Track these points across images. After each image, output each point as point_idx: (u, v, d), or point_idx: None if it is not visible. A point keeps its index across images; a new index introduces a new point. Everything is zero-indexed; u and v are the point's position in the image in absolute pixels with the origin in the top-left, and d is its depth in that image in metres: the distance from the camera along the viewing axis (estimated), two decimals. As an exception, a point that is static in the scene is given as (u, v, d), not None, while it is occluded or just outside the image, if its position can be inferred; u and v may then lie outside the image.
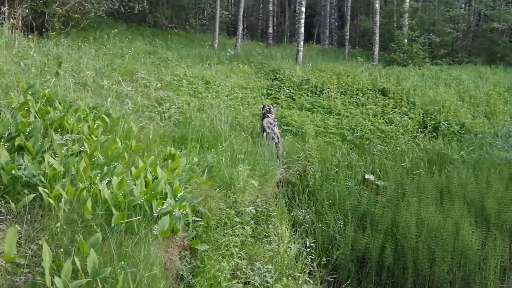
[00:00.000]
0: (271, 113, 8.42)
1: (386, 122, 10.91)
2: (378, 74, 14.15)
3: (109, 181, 3.57)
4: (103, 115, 5.14)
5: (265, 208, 5.46)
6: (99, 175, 3.58)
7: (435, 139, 10.18)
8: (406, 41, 19.85)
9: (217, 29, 21.00)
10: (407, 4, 21.51)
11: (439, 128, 10.64)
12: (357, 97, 12.24)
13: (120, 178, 3.51)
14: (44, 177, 3.18)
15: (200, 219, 4.21)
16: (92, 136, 4.36)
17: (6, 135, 3.60)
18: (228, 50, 16.80)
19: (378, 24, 20.13)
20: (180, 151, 5.34)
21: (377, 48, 20.02)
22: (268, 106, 8.63)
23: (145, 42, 15.80)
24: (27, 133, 3.76)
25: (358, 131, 10.04)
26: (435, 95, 12.52)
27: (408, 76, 14.62)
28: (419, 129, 10.67)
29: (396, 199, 7.02)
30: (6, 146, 3.41)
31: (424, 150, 9.38)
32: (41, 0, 12.26)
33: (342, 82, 13.00)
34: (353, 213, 6.76)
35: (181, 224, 3.72)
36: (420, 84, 13.67)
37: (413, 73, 15.56)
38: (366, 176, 8.12)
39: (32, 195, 2.91)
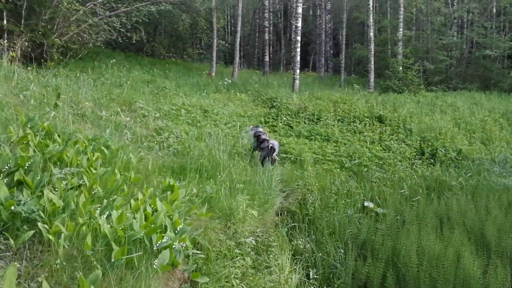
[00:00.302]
0: (263, 133, 8.78)
1: (384, 149, 10.95)
2: (375, 101, 14.27)
3: (109, 215, 3.55)
4: (102, 147, 5.14)
5: (265, 238, 5.42)
6: (98, 208, 3.56)
7: (433, 165, 10.21)
8: (401, 68, 20.12)
9: (214, 58, 21.24)
10: (401, 32, 21.88)
11: (437, 154, 10.69)
12: (354, 124, 12.31)
13: (119, 212, 3.49)
14: (44, 212, 3.16)
15: (200, 252, 4.17)
16: (91, 168, 4.35)
17: (5, 169, 3.58)
18: (226, 79, 16.95)
19: (373, 52, 20.43)
20: (179, 182, 5.33)
21: (373, 75, 20.25)
22: (255, 127, 8.91)
23: (143, 71, 15.96)
24: (26, 167, 3.74)
25: (356, 158, 10.06)
26: (431, 122, 12.61)
27: (404, 103, 14.75)
28: (416, 156, 10.70)
29: (396, 227, 6.99)
30: (5, 181, 3.40)
31: (422, 177, 9.40)
32: (40, 31, 12.42)
33: (339, 109, 13.10)
34: (353, 241, 6.72)
35: (181, 257, 3.68)
36: (416, 111, 13.78)
37: (409, 100, 15.71)
38: (366, 204, 8.11)
39: (32, 232, 2.88)
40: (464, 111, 14.22)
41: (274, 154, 8.21)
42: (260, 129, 9.10)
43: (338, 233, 6.90)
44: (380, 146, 11.10)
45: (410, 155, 10.62)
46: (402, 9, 21.96)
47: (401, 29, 21.92)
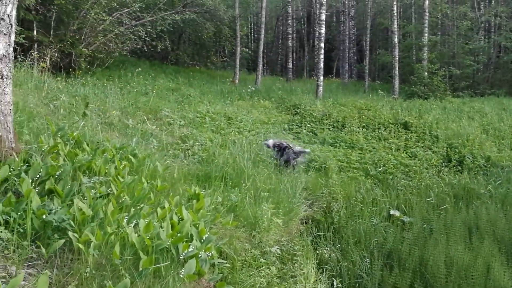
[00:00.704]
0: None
1: (410, 156, 10.80)
2: (400, 108, 14.12)
3: (136, 224, 3.59)
4: (129, 155, 5.22)
5: (290, 247, 5.40)
6: (126, 217, 3.61)
7: (461, 173, 10.00)
8: (426, 74, 19.86)
9: (237, 66, 21.38)
10: (426, 38, 21.61)
11: (464, 162, 10.46)
12: (379, 131, 12.19)
13: (147, 221, 3.53)
14: (74, 221, 3.22)
15: (225, 261, 4.18)
16: (119, 177, 4.41)
17: (37, 178, 3.67)
18: (249, 86, 17.02)
19: (397, 58, 20.24)
20: (204, 190, 5.36)
21: (397, 81, 20.05)
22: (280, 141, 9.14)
23: (168, 80, 16.16)
24: (56, 176, 3.83)
25: (381, 165, 9.95)
26: (459, 128, 12.38)
27: (429, 109, 14.53)
28: (443, 163, 10.51)
29: (423, 236, 6.86)
30: (37, 190, 3.48)
31: (449, 185, 9.21)
32: (69, 41, 12.73)
33: (363, 116, 13.00)
34: (379, 251, 6.62)
35: (207, 266, 3.69)
36: (443, 117, 13.56)
37: (435, 106, 15.47)
38: (391, 212, 8.00)
39: (62, 241, 2.94)
40: (492, 117, 13.91)
41: (297, 158, 8.40)
42: (281, 141, 9.30)
43: (364, 242, 6.81)
44: (406, 153, 10.95)
45: (436, 163, 10.44)
46: (427, 14, 21.70)
47: (426, 34, 21.65)
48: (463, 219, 7.45)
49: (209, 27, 22.27)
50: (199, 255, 3.58)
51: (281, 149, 8.77)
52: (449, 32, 25.28)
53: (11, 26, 3.83)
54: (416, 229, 7.08)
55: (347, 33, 29.47)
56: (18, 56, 9.44)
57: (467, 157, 10.57)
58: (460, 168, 10.33)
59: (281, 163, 8.56)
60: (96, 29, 13.82)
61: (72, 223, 3.18)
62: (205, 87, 16.32)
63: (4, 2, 3.72)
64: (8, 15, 3.78)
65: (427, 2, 21.52)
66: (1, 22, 3.72)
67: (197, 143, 8.35)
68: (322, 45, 17.31)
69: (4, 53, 3.78)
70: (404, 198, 8.55)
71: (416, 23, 27.64)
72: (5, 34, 3.77)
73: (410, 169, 10.02)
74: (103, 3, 13.47)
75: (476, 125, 12.95)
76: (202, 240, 3.84)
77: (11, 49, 3.90)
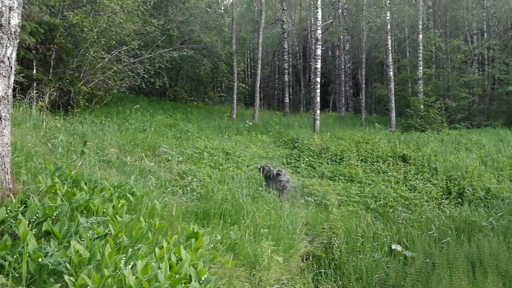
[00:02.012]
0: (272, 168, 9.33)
1: (409, 189, 10.76)
2: (397, 141, 14.17)
3: (134, 265, 3.53)
4: (127, 194, 5.18)
5: (291, 285, 5.30)
6: (123, 258, 3.54)
7: (461, 205, 9.94)
8: (422, 106, 20.05)
9: (235, 101, 21.58)
10: (421, 71, 21.94)
11: (464, 194, 10.42)
12: (378, 164, 12.19)
13: (144, 262, 3.46)
14: (70, 263, 3.16)
15: (225, 302, 4.09)
16: (117, 216, 4.36)
17: (34, 219, 3.63)
18: (247, 121, 17.12)
19: (393, 91, 20.48)
20: (203, 229, 5.29)
21: (394, 114, 20.22)
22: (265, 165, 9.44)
23: (166, 116, 16.25)
24: (54, 217, 3.78)
25: (381, 199, 9.89)
26: (457, 160, 12.39)
27: (427, 142, 14.60)
28: (443, 196, 10.46)
29: (425, 271, 6.75)
30: (34, 232, 3.43)
31: (450, 218, 9.12)
32: (67, 79, 12.85)
33: (361, 149, 13.02)
34: (381, 287, 6.50)
35: (207, 308, 3.61)
36: (441, 150, 13.60)
37: (432, 138, 15.55)
38: (393, 247, 7.89)
39: (58, 285, 2.87)
40: (490, 149, 13.96)
41: (284, 183, 8.73)
42: (268, 165, 9.55)
43: (366, 278, 6.69)
44: (405, 186, 10.91)
45: (436, 195, 10.39)
46: (421, 47, 22.10)
47: (420, 68, 21.99)
48: (465, 253, 7.34)
49: (207, 63, 22.61)
50: (198, 297, 3.51)
51: (270, 175, 9.13)
52: (443, 65, 25.68)
53: (11, 68, 3.86)
54: (419, 264, 6.96)
55: (343, 67, 29.88)
56: (17, 95, 9.51)
57: (467, 189, 10.53)
58: (460, 200, 10.27)
59: (275, 191, 8.72)
60: (95, 66, 13.97)
61: (68, 266, 3.11)
62: (203, 123, 16.41)
63: (4, 44, 3.77)
64: (8, 58, 3.82)
65: (420, 36, 21.94)
66: (1, 64, 3.75)
67: (195, 179, 8.31)
68: (318, 79, 17.51)
69: (3, 95, 3.80)
70: (405, 232, 8.45)
71: (410, 56, 28.13)
72: (4, 76, 3.79)
73: (410, 202, 9.96)
74: (102, 42, 13.67)
75: (474, 157, 12.97)
76: (201, 281, 3.76)
77: (10, 90, 3.92)
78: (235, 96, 21.75)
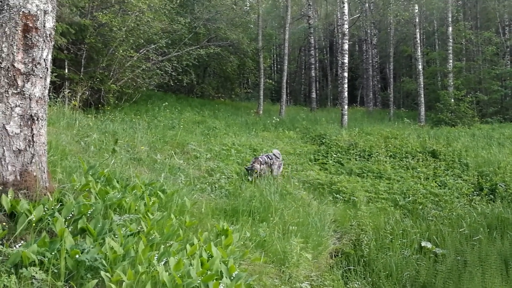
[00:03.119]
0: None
1: (439, 185, 10.58)
2: (427, 136, 13.93)
3: (166, 262, 3.61)
4: (158, 191, 5.28)
5: (320, 282, 5.31)
6: (156, 255, 3.63)
7: (493, 202, 9.72)
8: (452, 100, 19.64)
9: (261, 97, 21.59)
10: (451, 64, 21.48)
11: (496, 190, 10.18)
12: (407, 160, 12.03)
13: (177, 259, 3.54)
14: (105, 260, 3.25)
15: (256, 298, 4.14)
16: (149, 213, 4.46)
17: (69, 217, 3.74)
18: (274, 117, 17.12)
19: (422, 85, 20.15)
20: (232, 226, 5.35)
21: (423, 108, 19.89)
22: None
23: (193, 113, 16.40)
24: (88, 215, 3.90)
25: (410, 195, 9.77)
26: (489, 156, 12.11)
27: (458, 137, 14.30)
28: (474, 192, 10.24)
29: (457, 269, 6.65)
30: (70, 229, 3.54)
31: (482, 215, 8.94)
32: (98, 78, 13.13)
33: (390, 145, 12.87)
34: (412, 284, 6.44)
35: (238, 304, 3.66)
36: (472, 145, 13.30)
37: (463, 133, 15.22)
38: (423, 244, 7.79)
39: (95, 281, 2.97)
40: (524, 143, 13.61)
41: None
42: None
43: (396, 275, 6.64)
44: (435, 182, 10.74)
45: (467, 191, 10.19)
46: (450, 40, 21.64)
47: (450, 61, 21.53)
48: (498, 250, 7.20)
49: (233, 60, 22.69)
50: (229, 293, 3.56)
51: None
52: (474, 57, 25.07)
53: (47, 70, 3.99)
54: (450, 261, 6.87)
55: (370, 61, 29.55)
56: (50, 94, 9.78)
57: (500, 185, 10.29)
58: (492, 196, 10.04)
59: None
60: (124, 65, 14.24)
61: (104, 262, 3.21)
62: (230, 119, 16.49)
63: (40, 47, 3.89)
64: (44, 59, 3.94)
65: (450, 29, 21.49)
66: (38, 66, 3.88)
67: (223, 176, 8.38)
68: (346, 74, 17.38)
69: (40, 96, 3.92)
70: (435, 229, 8.33)
71: (439, 49, 27.56)
72: (41, 77, 3.92)
73: (440, 198, 9.80)
74: (131, 40, 13.90)
75: (507, 152, 12.65)
76: (232, 278, 3.81)
77: (47, 91, 4.05)
78: (261, 92, 21.77)
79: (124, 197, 4.48)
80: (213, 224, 5.25)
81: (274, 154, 9.70)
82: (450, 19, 21.64)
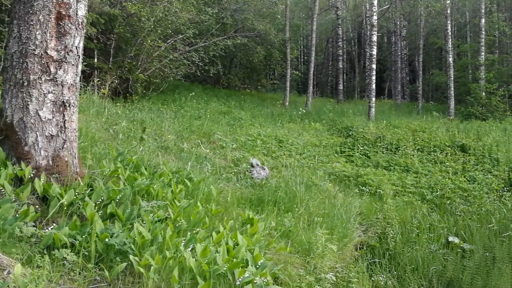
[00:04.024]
0: None
1: (468, 180, 10.36)
2: (456, 130, 13.63)
3: (193, 248, 3.65)
4: (185, 179, 5.33)
5: (345, 274, 5.29)
6: (183, 241, 3.67)
7: (524, 198, 9.48)
8: (483, 94, 19.14)
9: (287, 88, 21.50)
10: (483, 56, 20.90)
11: (528, 186, 9.94)
12: (435, 154, 11.81)
13: (203, 246, 3.58)
14: (134, 244, 3.31)
15: (281, 287, 4.14)
16: (176, 201, 4.51)
17: (99, 202, 3.82)
18: (300, 108, 17.03)
19: (452, 78, 19.70)
20: (257, 215, 5.37)
21: (453, 102, 19.48)
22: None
23: (220, 103, 16.46)
24: (117, 200, 3.97)
25: (438, 190, 9.61)
26: (521, 151, 11.79)
27: (489, 131, 13.94)
28: (505, 188, 10.00)
29: (485, 265, 6.52)
30: (99, 214, 3.61)
31: (512, 211, 8.75)
32: (126, 67, 13.30)
33: (418, 138, 12.66)
34: (438, 279, 6.35)
35: (263, 292, 3.68)
36: (503, 139, 12.95)
37: (494, 127, 14.82)
38: (450, 239, 7.67)
39: (124, 264, 3.03)
40: (558, 139, 13.18)
41: None
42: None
43: (422, 269, 6.55)
44: (464, 177, 10.52)
45: (497, 187, 9.96)
46: (483, 32, 21.03)
47: (483, 53, 20.95)
48: (528, 247, 7.04)
49: (260, 51, 22.63)
50: (255, 281, 3.58)
51: None
52: (507, 50, 24.36)
53: (79, 57, 4.06)
54: (478, 257, 6.74)
55: (399, 53, 29.05)
56: (80, 82, 9.94)
57: (531, 181, 10.04)
58: (524, 192, 9.80)
59: None
60: (152, 55, 14.37)
61: (132, 246, 3.27)
62: (256, 110, 16.48)
63: (72, 34, 3.96)
64: (76, 47, 4.01)
65: (483, 21, 20.90)
66: (70, 53, 3.95)
67: (249, 167, 8.40)
68: (374, 66, 17.13)
69: (72, 83, 4.00)
70: (463, 224, 8.18)
71: (471, 42, 26.87)
72: (73, 64, 3.99)
73: (469, 193, 9.60)
74: (159, 31, 14.00)
75: (540, 147, 12.28)
76: (258, 266, 3.83)
77: (78, 78, 4.12)
78: (288, 84, 21.67)
79: (152, 184, 4.55)
80: (238, 213, 5.28)
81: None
82: (483, 11, 21.03)
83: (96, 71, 12.33)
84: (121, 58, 13.72)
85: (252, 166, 8.39)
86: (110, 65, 12.95)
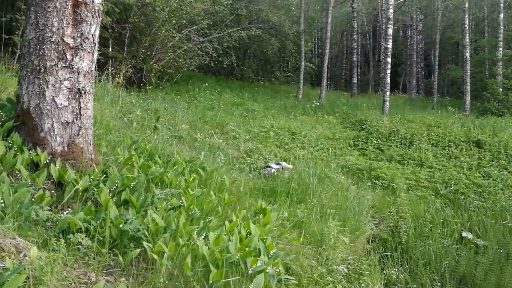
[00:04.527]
0: None
1: (483, 176, 10.24)
2: (471, 125, 13.47)
3: (206, 236, 3.66)
4: (198, 168, 5.35)
5: (357, 266, 5.26)
6: (196, 229, 3.68)
7: (540, 195, 9.35)
8: (500, 90, 18.87)
9: (301, 80, 21.41)
10: (501, 52, 20.57)
11: (545, 183, 9.78)
12: (450, 149, 11.69)
13: (216, 234, 3.59)
14: (147, 231, 3.33)
15: (292, 277, 4.14)
16: (189, 189, 4.53)
17: (113, 189, 3.84)
18: (313, 101, 16.96)
19: (469, 73, 19.44)
20: (270, 205, 5.37)
21: (469, 97, 19.25)
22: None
23: (233, 94, 16.45)
24: (131, 187, 3.99)
25: (452, 185, 9.52)
26: (538, 148, 11.62)
27: (505, 127, 13.74)
28: (521, 184, 9.88)
29: (499, 261, 6.45)
30: (113, 200, 3.64)
31: (528, 207, 8.63)
32: (140, 57, 13.34)
33: (432, 133, 12.54)
34: (451, 274, 6.29)
35: (275, 282, 3.67)
36: (520, 136, 12.77)
37: (511, 123, 14.61)
38: (464, 234, 7.59)
39: (138, 250, 3.05)
40: None
41: None
42: None
43: (434, 264, 6.50)
44: (479, 172, 10.39)
45: (513, 183, 9.84)
46: (501, 27, 20.69)
47: (501, 49, 20.63)
48: (543, 244, 6.94)
49: (274, 43, 22.55)
50: (267, 271, 3.58)
51: None
52: (526, 46, 23.95)
53: (94, 45, 4.07)
54: (492, 253, 6.67)
55: (415, 47, 28.73)
56: (95, 71, 10.00)
57: (548, 178, 9.88)
58: (539, 190, 9.66)
59: None
60: (166, 45, 14.39)
61: (146, 233, 3.29)
62: (269, 102, 16.45)
63: (89, 22, 3.97)
64: (92, 35, 4.02)
65: (501, 16, 20.56)
66: (86, 41, 3.96)
67: (261, 158, 8.40)
68: (389, 59, 16.97)
69: (87, 70, 4.02)
70: (477, 220, 8.08)
71: (489, 37, 26.47)
72: (89, 52, 4.00)
73: (484, 189, 9.49)
74: (173, 21, 14.02)
75: (557, 145, 12.09)
76: (270, 256, 3.83)
77: (94, 66, 4.14)
78: (301, 76, 21.57)
79: (165, 172, 4.56)
80: (251, 203, 5.28)
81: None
82: (502, 5, 20.68)
83: (110, 60, 12.39)
84: (135, 47, 13.77)
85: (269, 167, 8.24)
86: (124, 55, 13.00)
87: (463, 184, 9.59)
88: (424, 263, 6.51)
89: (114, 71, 10.90)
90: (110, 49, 12.70)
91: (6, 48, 8.96)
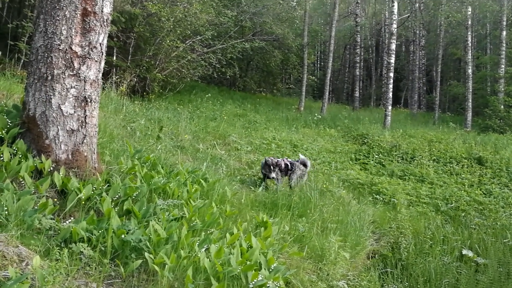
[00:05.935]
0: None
1: (484, 194, 10.22)
2: (473, 142, 13.47)
3: (207, 248, 3.65)
4: (200, 179, 5.34)
5: (356, 282, 5.24)
6: (197, 241, 3.67)
7: (542, 214, 9.32)
8: (502, 107, 18.92)
9: (303, 93, 21.46)
10: (503, 69, 20.66)
11: (546, 202, 9.77)
12: (451, 165, 11.68)
13: (217, 246, 3.57)
14: (149, 242, 3.32)
15: (293, 292, 4.13)
16: (191, 200, 4.52)
17: (116, 198, 3.84)
18: (315, 114, 16.99)
19: (470, 90, 19.50)
20: (271, 218, 5.36)
21: (470, 113, 19.29)
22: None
23: (235, 105, 16.48)
24: (134, 197, 3.99)
25: (453, 202, 9.49)
26: (539, 166, 11.61)
27: (506, 144, 13.74)
28: (522, 203, 9.86)
29: (499, 280, 6.42)
30: (116, 210, 3.63)
31: (529, 226, 8.60)
32: (144, 66, 13.40)
33: (434, 149, 12.54)
34: (451, 292, 6.26)
35: (275, 296, 3.66)
36: (521, 153, 12.77)
37: (512, 141, 14.63)
38: (464, 252, 7.56)
39: (140, 261, 3.04)
40: None
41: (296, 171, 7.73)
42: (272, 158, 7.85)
43: (434, 281, 6.47)
44: (480, 190, 10.37)
45: (514, 202, 9.82)
46: (504, 45, 20.80)
47: (503, 66, 20.71)
48: (544, 264, 6.91)
49: (277, 55, 22.66)
50: (268, 285, 3.56)
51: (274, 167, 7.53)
52: (528, 64, 24.05)
53: (102, 54, 4.09)
54: (492, 272, 6.64)
55: (417, 63, 28.84)
56: (99, 80, 10.05)
57: (549, 197, 9.87)
58: (541, 208, 9.63)
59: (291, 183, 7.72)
60: (170, 55, 14.46)
61: (148, 244, 3.28)
62: (271, 114, 16.48)
63: (97, 31, 4.00)
64: (100, 44, 4.05)
65: (504, 33, 20.68)
66: (94, 49, 3.99)
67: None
68: (391, 74, 17.03)
69: (94, 79, 4.04)
70: (477, 238, 8.05)
71: (491, 54, 26.58)
72: (96, 61, 4.03)
73: (485, 207, 9.47)
74: (178, 31, 14.09)
75: (560, 164, 12.08)
76: (271, 270, 3.82)
77: (100, 75, 4.16)
78: (304, 89, 21.62)
79: (168, 183, 4.56)
80: (252, 215, 5.26)
81: (300, 162, 8.09)
82: (504, 23, 20.81)
83: (114, 69, 12.44)
84: (139, 57, 13.83)
85: (303, 165, 8.01)
86: (128, 64, 13.05)
87: (464, 201, 9.57)
88: (424, 281, 6.47)
89: (118, 79, 10.94)
90: (115, 58, 12.75)
91: (12, 54, 9.01)
